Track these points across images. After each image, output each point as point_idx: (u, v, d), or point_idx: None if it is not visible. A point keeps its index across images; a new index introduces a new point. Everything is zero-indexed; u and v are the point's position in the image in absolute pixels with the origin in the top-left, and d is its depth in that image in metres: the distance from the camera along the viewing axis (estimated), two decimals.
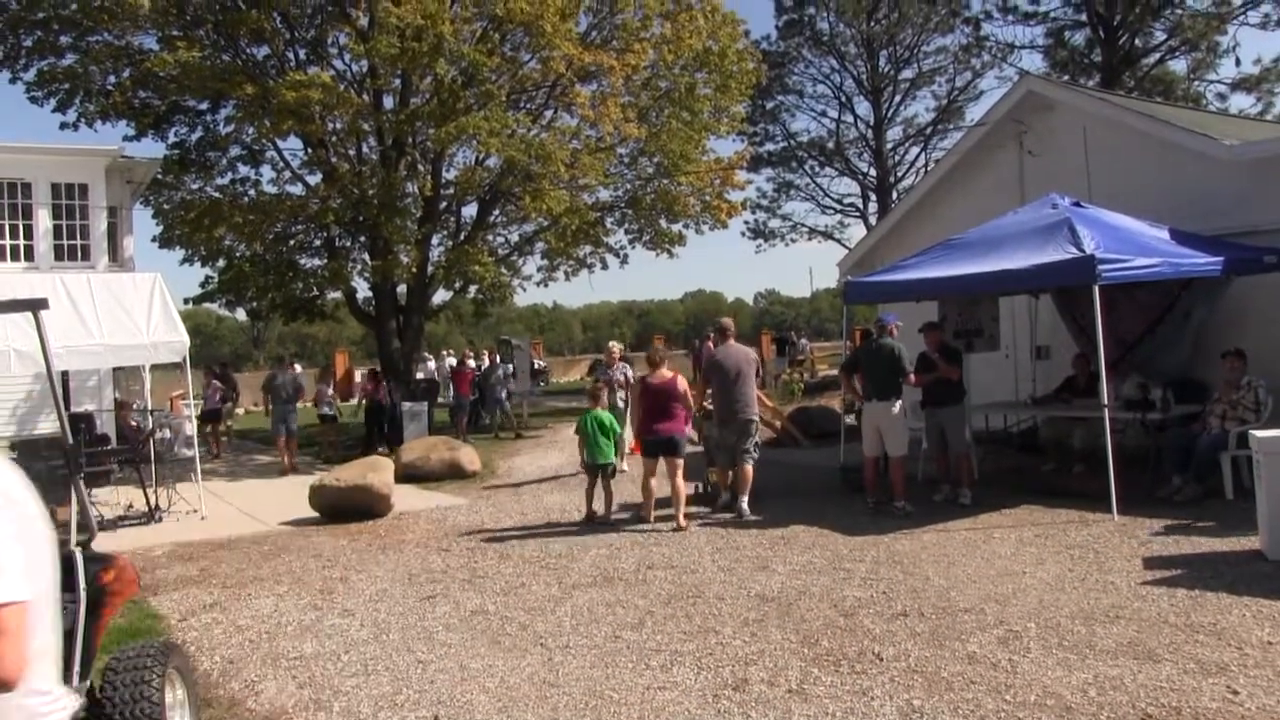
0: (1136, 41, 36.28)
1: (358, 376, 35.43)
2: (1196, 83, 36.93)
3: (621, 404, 14.24)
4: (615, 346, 15.85)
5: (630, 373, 14.55)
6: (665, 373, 10.83)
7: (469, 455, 15.86)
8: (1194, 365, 12.00)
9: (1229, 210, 12.01)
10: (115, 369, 17.48)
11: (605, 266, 26.36)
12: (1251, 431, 8.32)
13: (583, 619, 7.21)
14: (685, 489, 10.69)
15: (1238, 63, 35.79)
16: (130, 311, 12.34)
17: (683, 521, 10.34)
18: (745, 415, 10.92)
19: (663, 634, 6.72)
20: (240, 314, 26.22)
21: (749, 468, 10.88)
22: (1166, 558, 7.89)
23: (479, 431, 21.39)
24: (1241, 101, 35.80)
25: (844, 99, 40.68)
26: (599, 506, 11.14)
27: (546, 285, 26.66)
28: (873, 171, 41.22)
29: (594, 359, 60.39)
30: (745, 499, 10.79)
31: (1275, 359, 10.82)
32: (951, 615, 6.70)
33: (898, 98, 40.84)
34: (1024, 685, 5.35)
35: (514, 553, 9.68)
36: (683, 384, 10.82)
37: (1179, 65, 37.07)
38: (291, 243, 22.54)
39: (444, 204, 22.90)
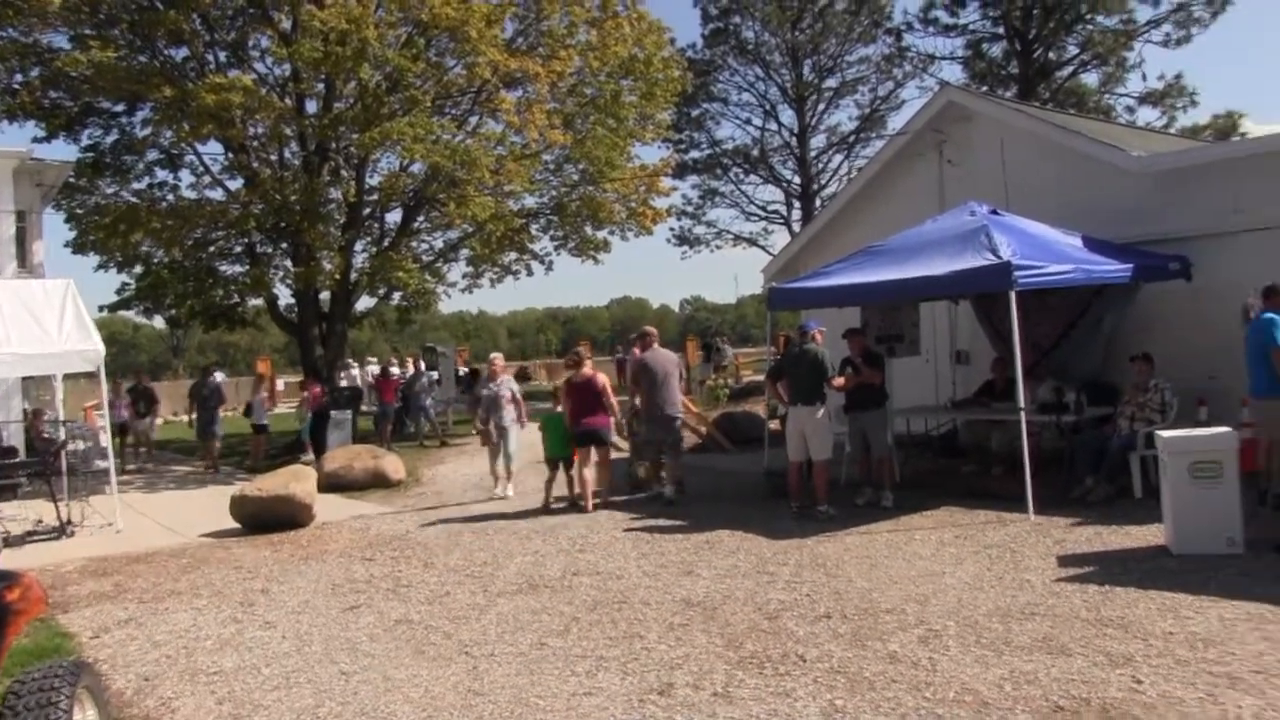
0: (1051, 55, 37.30)
1: (280, 385, 34.95)
2: (1107, 96, 38.07)
3: (508, 422, 13.24)
4: (498, 359, 14.12)
5: (516, 389, 13.57)
6: (587, 371, 12.25)
7: (393, 464, 15.74)
8: (1105, 369, 12.33)
9: (1137, 219, 12.37)
10: (25, 378, 17.03)
11: (530, 273, 26.27)
12: (1157, 432, 8.59)
13: (508, 626, 7.20)
14: (596, 481, 12.04)
15: (1144, 78, 36.90)
16: (40, 319, 11.95)
17: (601, 503, 11.87)
18: (671, 413, 12.19)
19: (588, 640, 6.74)
20: (159, 322, 25.69)
21: (675, 460, 12.32)
22: (1079, 555, 8.11)
23: (403, 440, 21.20)
24: (1148, 115, 36.96)
25: (769, 107, 41.08)
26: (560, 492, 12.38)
27: (471, 292, 26.62)
28: (797, 179, 41.65)
29: (519, 365, 60.05)
30: (670, 487, 12.11)
31: (1180, 362, 11.18)
32: (873, 616, 6.81)
33: (821, 106, 41.36)
34: (943, 682, 5.46)
35: (438, 561, 9.64)
36: (602, 379, 12.20)
37: (1091, 78, 38.20)
38: (211, 249, 22.07)
39: (368, 210, 22.64)
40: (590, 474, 11.96)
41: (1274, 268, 9.78)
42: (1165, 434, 8.28)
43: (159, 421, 21.97)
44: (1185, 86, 36.63)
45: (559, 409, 12.47)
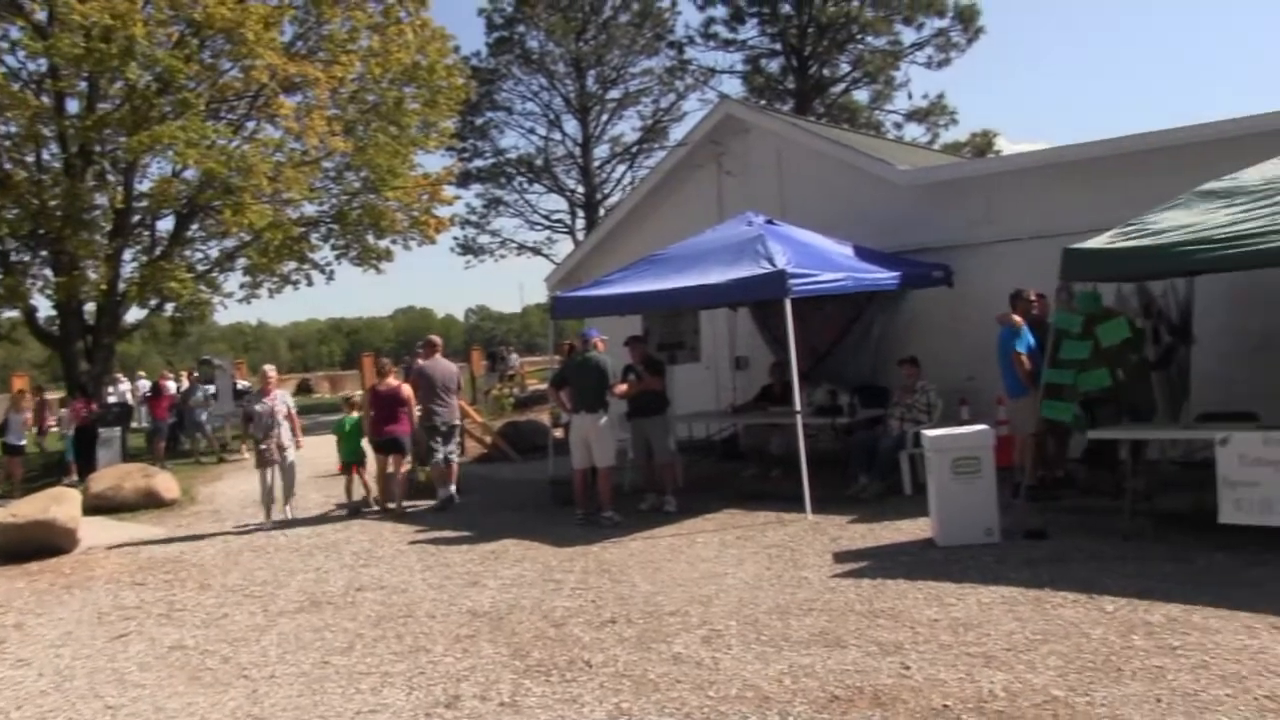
0: (825, 71, 38.95)
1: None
2: (877, 112, 40.09)
3: (288, 441, 12.16)
4: (271, 371, 13.00)
5: (291, 404, 12.56)
6: (392, 381, 12.57)
7: (166, 482, 14.94)
8: (876, 372, 12.90)
9: (904, 229, 13.01)
10: None
11: (311, 283, 25.52)
12: (923, 431, 9.03)
13: (289, 646, 6.94)
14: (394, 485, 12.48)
15: (910, 96, 39.06)
16: None
17: (396, 506, 12.25)
18: (450, 420, 12.48)
19: (373, 656, 6.56)
20: None
21: (455, 463, 12.70)
22: (854, 551, 8.42)
23: (179, 456, 20.22)
24: (914, 131, 39.10)
25: (553, 117, 41.32)
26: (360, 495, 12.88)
27: (250, 303, 25.69)
28: (580, 189, 42.03)
29: (301, 378, 58.11)
30: (453, 487, 12.49)
31: (944, 365, 11.82)
32: (658, 619, 6.88)
33: (605, 117, 41.91)
34: (726, 680, 5.56)
35: (215, 582, 9.20)
36: (407, 391, 12.44)
37: (862, 95, 40.12)
38: None
39: (137, 217, 21.52)
40: (386, 479, 12.50)
41: (1024, 275, 10.43)
42: (930, 433, 8.71)
43: None
44: (947, 105, 39.14)
45: (355, 414, 13.15)
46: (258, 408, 12.20)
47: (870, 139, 20.70)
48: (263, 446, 12.01)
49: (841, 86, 39.51)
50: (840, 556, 8.27)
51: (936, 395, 11.10)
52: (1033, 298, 10.16)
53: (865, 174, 13.66)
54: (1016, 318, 9.96)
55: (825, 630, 6.30)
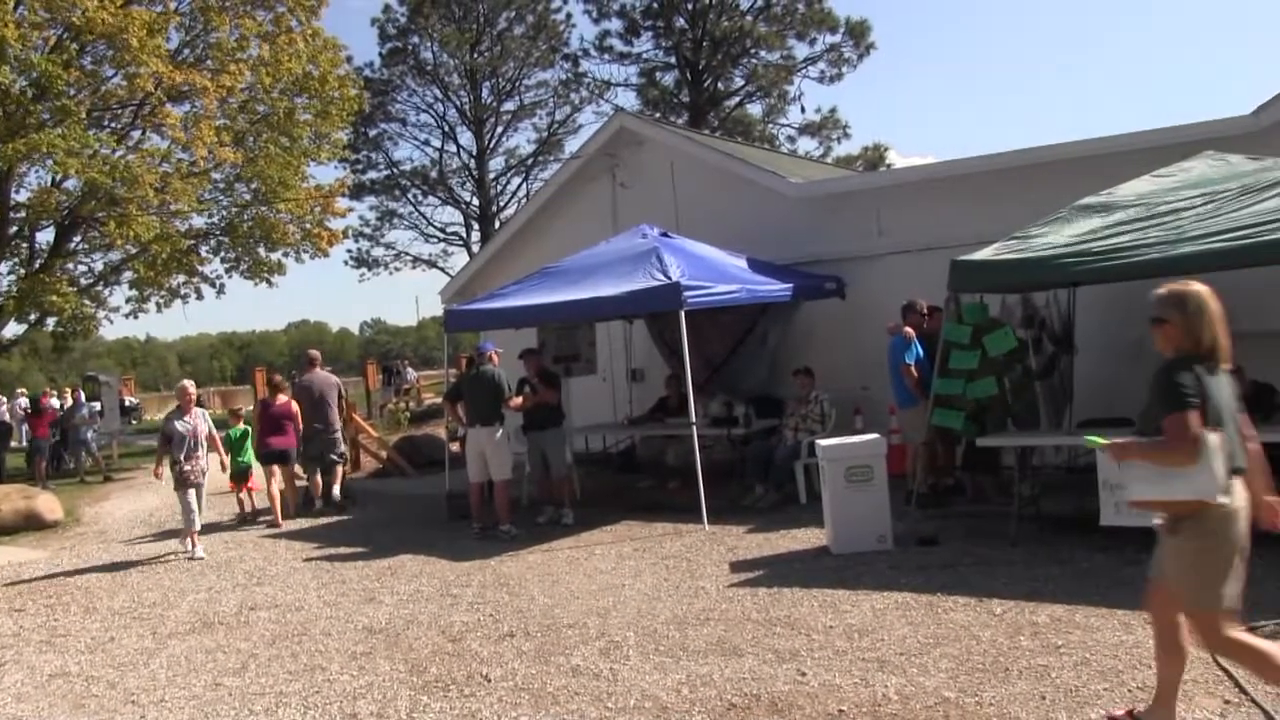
0: (719, 85, 39.38)
1: None
2: (771, 125, 40.67)
3: (202, 470, 11.09)
4: (190, 386, 11.70)
5: (211, 423, 11.51)
6: (283, 397, 12.84)
7: (48, 503, 14.34)
8: (771, 383, 13.02)
9: (796, 242, 13.20)
10: None
11: (200, 297, 24.78)
12: (818, 441, 9.17)
13: (180, 670, 6.72)
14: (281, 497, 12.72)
15: (803, 110, 39.68)
16: None
17: (280, 522, 12.29)
18: (328, 431, 13.13)
19: (267, 676, 6.40)
20: None
21: (338, 470, 13.35)
22: (750, 560, 8.49)
23: (62, 476, 19.54)
24: (808, 144, 39.74)
25: (447, 128, 41.02)
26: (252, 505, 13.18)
27: (137, 317, 25.02)
28: (475, 201, 41.75)
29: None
30: (337, 489, 13.15)
31: (838, 374, 12.01)
32: (556, 631, 6.85)
33: (500, 129, 41.75)
34: (624, 691, 5.55)
35: (101, 605, 8.87)
36: (295, 407, 12.82)
37: (756, 109, 40.63)
38: None
39: (14, 229, 20.74)
40: (277, 491, 12.60)
41: (914, 286, 10.66)
42: (823, 442, 8.85)
43: None
44: (839, 120, 39.88)
45: (242, 426, 13.33)
46: (178, 426, 10.99)
47: (764, 152, 20.98)
48: (186, 468, 10.90)
49: (735, 100, 40.00)
50: (737, 566, 8.33)
51: (830, 405, 11.26)
52: (924, 310, 10.39)
53: (758, 187, 13.84)
54: (908, 329, 10.18)
55: (722, 639, 6.34)
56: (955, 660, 5.58)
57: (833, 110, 39.83)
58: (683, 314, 10.18)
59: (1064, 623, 6.06)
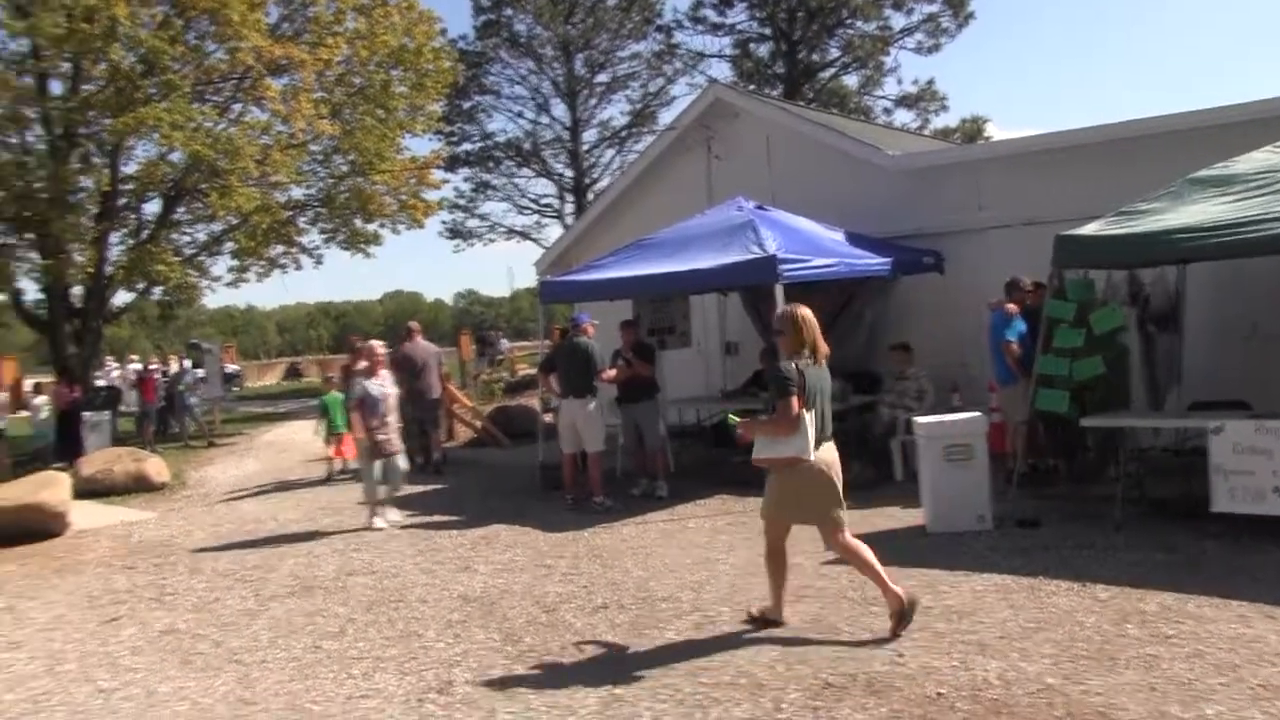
0: (814, 56, 38.92)
1: (27, 385, 32.47)
2: (866, 97, 40.07)
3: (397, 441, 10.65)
4: (379, 347, 10.96)
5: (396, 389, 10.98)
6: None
7: (156, 466, 14.86)
8: (868, 358, 12.84)
9: (894, 215, 12.97)
10: None
11: (299, 267, 25.38)
12: (914, 418, 9.01)
13: (280, 631, 6.91)
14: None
15: (899, 81, 39.05)
16: None
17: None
18: (430, 397, 13.86)
19: (365, 641, 6.53)
20: None
21: (438, 435, 14.34)
22: None
23: (168, 441, 20.14)
24: (904, 117, 39.08)
25: (541, 101, 41.07)
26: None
27: (238, 286, 25.68)
28: (569, 173, 41.82)
29: (290, 361, 57.96)
30: (437, 454, 14.10)
31: (936, 351, 11.78)
32: (650, 605, 6.86)
33: (593, 101, 41.64)
34: (718, 667, 5.53)
35: (206, 566, 9.15)
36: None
37: (851, 80, 40.06)
38: None
39: (123, 200, 21.27)
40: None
41: (1015, 261, 10.42)
42: (922, 420, 8.69)
43: None
44: (937, 91, 39.17)
45: (335, 392, 13.91)
46: (372, 391, 10.33)
47: (859, 124, 20.66)
48: (380, 436, 10.33)
49: (831, 71, 39.50)
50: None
51: (928, 381, 11.07)
52: (1028, 286, 10.13)
53: (855, 159, 13.63)
54: (1011, 305, 9.94)
55: (818, 617, 6.29)
56: (1058, 646, 5.45)
57: (930, 81, 39.20)
58: (779, 287, 10.07)
59: (1174, 612, 5.87)
